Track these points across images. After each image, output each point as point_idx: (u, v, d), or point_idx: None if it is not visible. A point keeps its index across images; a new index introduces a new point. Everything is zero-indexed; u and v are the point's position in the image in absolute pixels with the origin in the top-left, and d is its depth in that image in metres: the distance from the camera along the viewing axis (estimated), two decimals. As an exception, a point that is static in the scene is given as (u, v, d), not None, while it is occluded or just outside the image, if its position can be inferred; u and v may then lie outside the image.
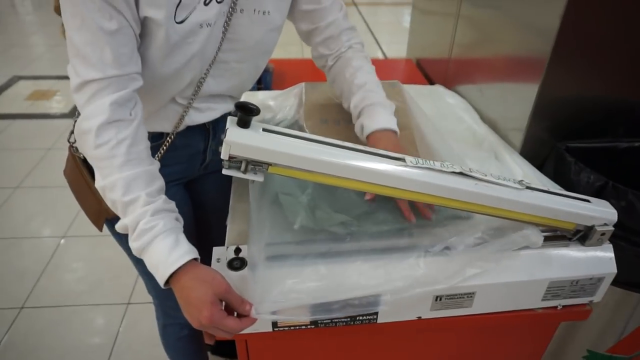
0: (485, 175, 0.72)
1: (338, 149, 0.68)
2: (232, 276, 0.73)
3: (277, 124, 1.07)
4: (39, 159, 2.77)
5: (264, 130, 0.66)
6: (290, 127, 1.05)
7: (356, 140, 0.89)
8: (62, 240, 2.18)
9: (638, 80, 1.05)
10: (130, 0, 0.68)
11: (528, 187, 0.75)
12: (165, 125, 0.90)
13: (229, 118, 0.66)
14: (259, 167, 0.66)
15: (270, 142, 0.64)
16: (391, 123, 0.88)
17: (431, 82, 1.71)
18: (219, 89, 0.90)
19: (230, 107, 0.98)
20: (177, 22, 0.73)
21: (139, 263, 1.09)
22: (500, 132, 1.21)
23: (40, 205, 2.42)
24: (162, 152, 0.89)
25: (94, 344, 1.70)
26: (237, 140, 0.63)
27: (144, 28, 0.73)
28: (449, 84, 1.53)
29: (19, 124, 3.19)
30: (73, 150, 0.90)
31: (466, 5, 1.44)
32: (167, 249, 0.66)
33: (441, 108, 1.36)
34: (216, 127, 0.99)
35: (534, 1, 1.05)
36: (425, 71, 1.83)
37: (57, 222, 2.28)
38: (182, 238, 0.69)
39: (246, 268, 0.74)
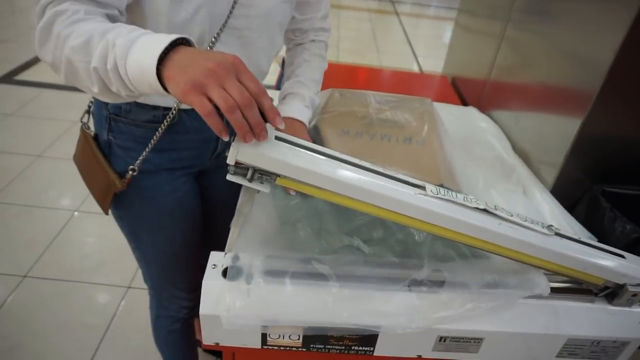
0: (511, 215, 0.66)
1: (354, 167, 0.63)
2: (225, 286, 0.69)
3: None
4: (64, 131, 2.79)
5: (277, 138, 0.61)
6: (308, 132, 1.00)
7: (376, 156, 0.84)
8: (76, 214, 2.18)
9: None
10: None
11: (557, 234, 0.68)
12: (168, 99, 0.82)
13: (241, 120, 0.61)
14: (266, 177, 0.62)
15: (282, 153, 0.60)
16: (302, 115, 0.93)
17: (464, 103, 1.64)
18: None
19: None
20: None
21: (137, 249, 1.06)
22: (532, 166, 1.14)
23: (58, 177, 2.43)
24: (165, 125, 0.83)
25: (88, 323, 1.69)
26: (246, 145, 0.58)
27: None
28: (483, 107, 1.46)
29: (48, 94, 3.22)
30: (85, 127, 0.92)
31: (512, 27, 1.36)
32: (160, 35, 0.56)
33: (472, 132, 1.29)
34: None
35: (587, 32, 0.98)
36: (460, 90, 1.75)
37: (73, 196, 2.29)
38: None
39: (241, 279, 0.69)
